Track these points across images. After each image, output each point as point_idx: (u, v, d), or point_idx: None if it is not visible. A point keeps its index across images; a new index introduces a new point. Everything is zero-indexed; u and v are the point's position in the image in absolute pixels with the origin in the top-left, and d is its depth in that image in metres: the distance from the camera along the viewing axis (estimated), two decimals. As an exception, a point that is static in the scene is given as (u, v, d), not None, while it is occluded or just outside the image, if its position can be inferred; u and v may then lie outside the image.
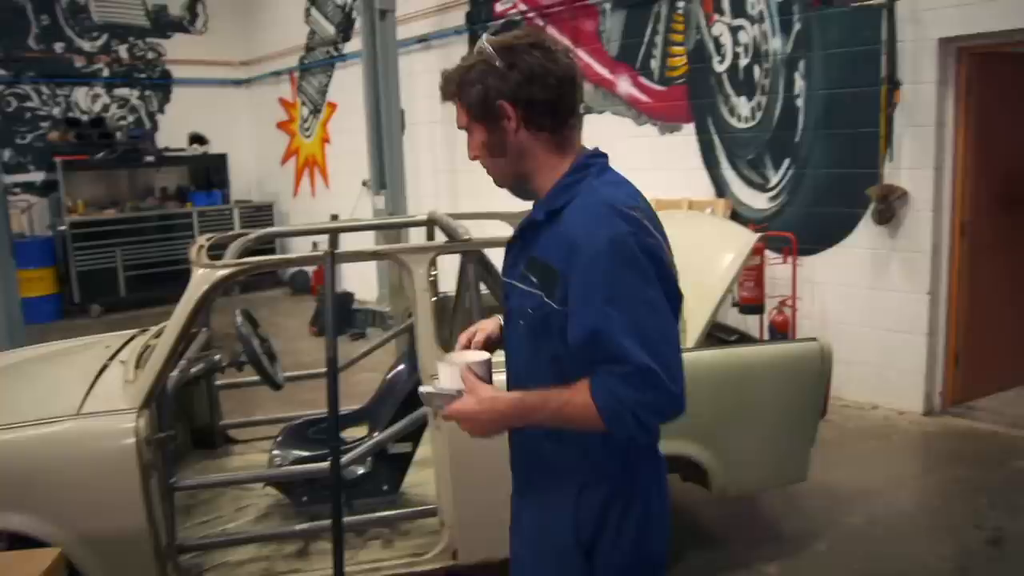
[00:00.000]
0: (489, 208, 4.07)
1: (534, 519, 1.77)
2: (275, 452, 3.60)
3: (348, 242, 8.19)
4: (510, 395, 1.63)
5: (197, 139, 10.83)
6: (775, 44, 5.66)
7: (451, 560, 3.11)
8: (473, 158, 1.75)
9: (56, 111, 10.44)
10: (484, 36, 1.68)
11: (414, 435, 3.41)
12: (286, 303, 10.14)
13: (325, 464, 2.92)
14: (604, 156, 1.74)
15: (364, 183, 9.19)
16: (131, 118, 11.05)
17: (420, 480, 3.58)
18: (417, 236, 4.38)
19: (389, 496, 3.49)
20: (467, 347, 1.86)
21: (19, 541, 2.61)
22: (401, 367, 3.74)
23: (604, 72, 6.82)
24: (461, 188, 8.23)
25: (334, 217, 9.44)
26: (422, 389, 1.70)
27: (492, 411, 1.59)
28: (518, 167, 1.70)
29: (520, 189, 1.74)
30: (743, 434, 3.26)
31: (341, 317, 8.24)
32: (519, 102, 1.62)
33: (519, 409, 1.59)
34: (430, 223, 4.06)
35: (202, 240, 3.41)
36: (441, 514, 3.15)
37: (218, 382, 4.11)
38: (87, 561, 2.70)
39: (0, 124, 10.00)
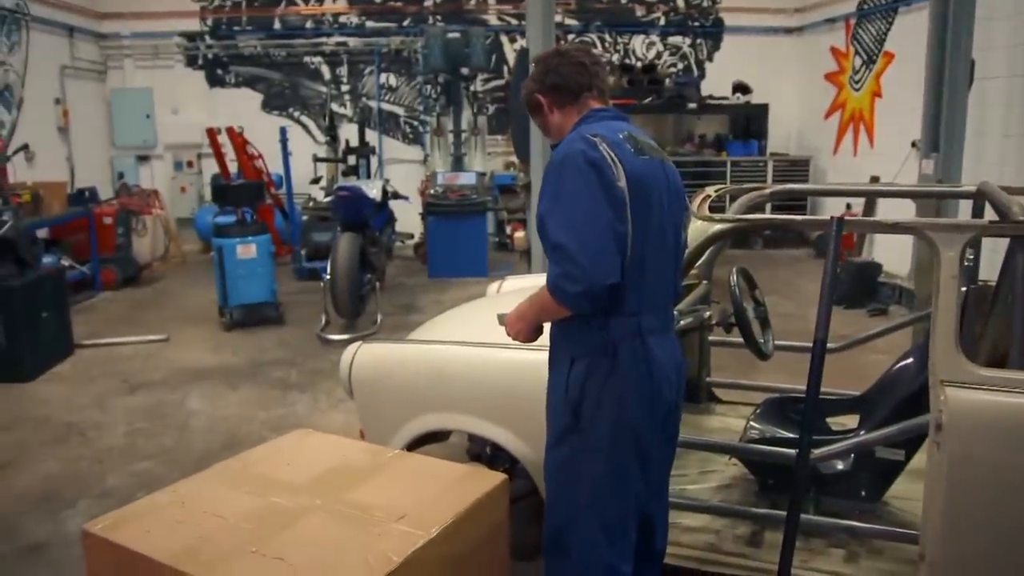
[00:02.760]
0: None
1: (549, 381, 2.32)
2: (751, 424, 3.39)
3: (888, 209, 7.46)
4: (526, 300, 2.23)
5: (741, 88, 10.77)
6: None
7: (928, 601, 2.60)
8: (545, 135, 2.50)
9: (615, 58, 11.29)
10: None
11: (910, 443, 2.90)
12: (808, 265, 9.69)
13: (785, 451, 2.63)
14: (608, 111, 2.32)
15: (914, 144, 8.21)
16: (680, 65, 11.44)
17: (908, 493, 3.07)
18: (965, 210, 3.72)
19: (867, 504, 3.05)
20: None
21: (498, 452, 2.84)
22: (910, 360, 3.20)
23: None
24: (1034, 162, 6.81)
25: (874, 179, 8.63)
26: (499, 312, 2.36)
27: (516, 313, 2.25)
28: (560, 132, 2.34)
29: None
30: None
31: (863, 289, 7.58)
32: (544, 91, 2.33)
33: (525, 308, 2.23)
34: (979, 195, 3.36)
35: (710, 190, 3.28)
36: (923, 545, 2.63)
37: (711, 337, 4.02)
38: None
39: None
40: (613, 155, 2.08)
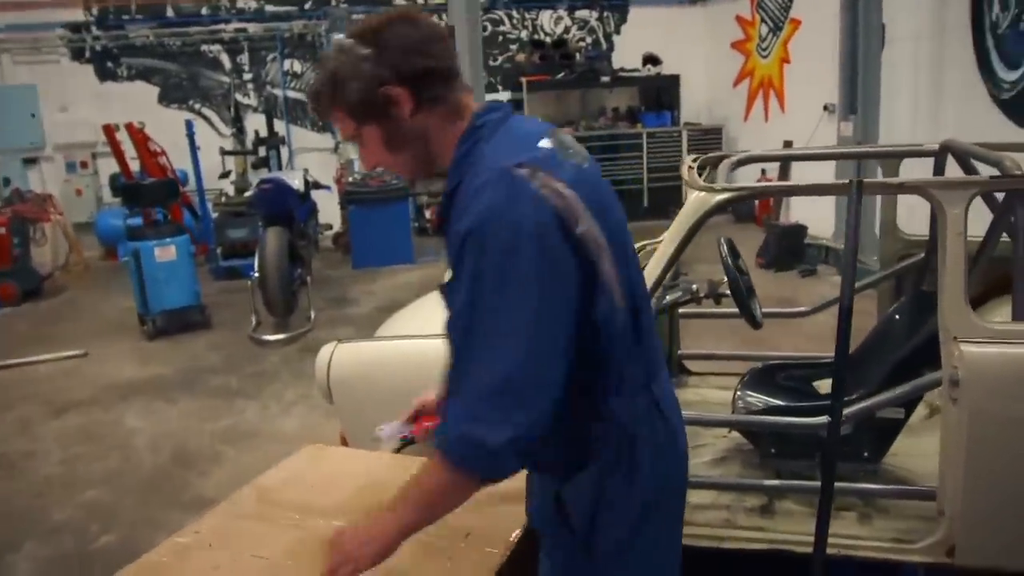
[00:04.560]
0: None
1: (529, 508, 1.77)
2: (741, 395, 3.35)
3: (804, 173, 7.62)
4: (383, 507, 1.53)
5: (651, 60, 10.82)
6: None
7: (945, 557, 2.60)
8: (372, 167, 1.59)
9: (524, 34, 11.18)
10: (335, 37, 1.27)
11: (910, 401, 2.92)
12: (727, 230, 9.83)
13: (814, 419, 2.59)
14: (499, 109, 1.54)
15: (826, 108, 8.42)
16: (589, 39, 11.42)
17: (901, 450, 3.10)
18: (907, 170, 3.76)
19: (868, 464, 3.05)
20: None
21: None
22: (896, 318, 3.23)
23: None
24: (946, 118, 7.07)
25: (787, 144, 8.81)
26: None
27: (365, 531, 1.51)
28: (425, 152, 1.52)
29: (432, 175, 1.56)
30: None
31: (791, 251, 7.74)
32: (404, 80, 1.44)
33: (386, 520, 1.50)
34: (943, 152, 3.39)
35: (689, 160, 3.21)
36: (941, 501, 2.65)
37: (681, 311, 3.97)
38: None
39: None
40: (564, 193, 1.37)
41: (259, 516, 2.03)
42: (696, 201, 2.66)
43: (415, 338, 3.10)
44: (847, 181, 2.26)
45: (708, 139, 10.70)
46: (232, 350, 6.15)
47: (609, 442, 1.51)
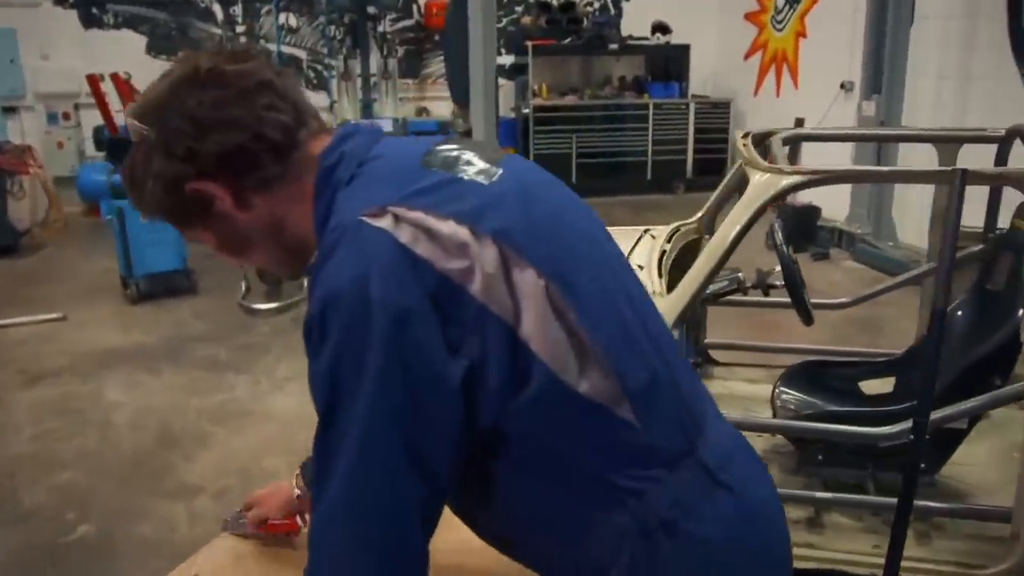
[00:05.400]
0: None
1: None
2: (781, 394, 3.08)
3: (814, 154, 7.34)
4: None
5: (660, 28, 10.42)
6: None
7: (1018, 585, 2.39)
8: (238, 266, 1.27)
9: (531, -4, 10.75)
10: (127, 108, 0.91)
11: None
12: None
13: (887, 429, 2.36)
14: (353, 135, 1.11)
15: (843, 86, 8.13)
16: (597, 4, 11.00)
17: (956, 459, 2.85)
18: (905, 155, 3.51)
19: (926, 476, 2.80)
20: None
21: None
22: (959, 315, 2.96)
23: None
24: (973, 101, 6.77)
25: (799, 121, 8.50)
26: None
27: None
28: (283, 243, 1.13)
29: (307, 263, 1.10)
30: None
31: (803, 233, 7.46)
32: (208, 170, 1.05)
33: None
34: (1010, 138, 3.10)
35: (741, 136, 2.90)
36: (1017, 523, 2.41)
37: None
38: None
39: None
40: (449, 235, 0.97)
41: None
42: (761, 184, 2.36)
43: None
44: (951, 169, 1.97)
45: (716, 112, 10.38)
46: (220, 318, 5.81)
47: (635, 537, 1.05)
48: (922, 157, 4.88)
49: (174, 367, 4.90)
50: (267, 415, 4.22)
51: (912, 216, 6.78)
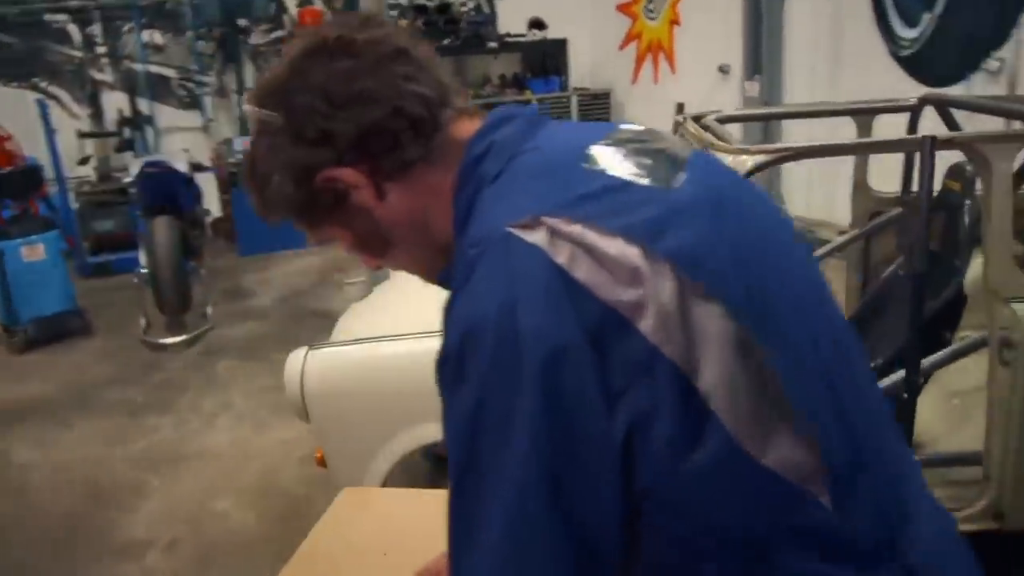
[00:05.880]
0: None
1: None
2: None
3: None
4: None
5: (536, 24, 10.52)
6: None
7: (993, 523, 2.52)
8: (377, 267, 1.08)
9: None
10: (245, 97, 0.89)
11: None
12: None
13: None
14: (510, 119, 0.95)
15: (720, 69, 8.41)
16: (471, 4, 10.99)
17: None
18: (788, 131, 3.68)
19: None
20: None
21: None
22: (900, 274, 3.11)
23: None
24: (845, 76, 7.12)
25: (680, 106, 8.73)
26: None
27: None
28: (430, 239, 0.98)
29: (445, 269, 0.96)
30: None
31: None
32: (344, 155, 0.91)
33: None
34: (919, 107, 3.28)
35: (679, 118, 2.94)
36: (988, 466, 2.54)
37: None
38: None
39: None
40: (617, 258, 0.79)
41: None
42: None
43: (398, 339, 2.70)
44: (920, 137, 2.05)
45: (597, 103, 10.56)
46: (124, 358, 5.45)
47: None
48: (805, 131, 5.13)
49: (85, 416, 4.55)
50: (202, 455, 3.97)
51: (800, 190, 7.11)
